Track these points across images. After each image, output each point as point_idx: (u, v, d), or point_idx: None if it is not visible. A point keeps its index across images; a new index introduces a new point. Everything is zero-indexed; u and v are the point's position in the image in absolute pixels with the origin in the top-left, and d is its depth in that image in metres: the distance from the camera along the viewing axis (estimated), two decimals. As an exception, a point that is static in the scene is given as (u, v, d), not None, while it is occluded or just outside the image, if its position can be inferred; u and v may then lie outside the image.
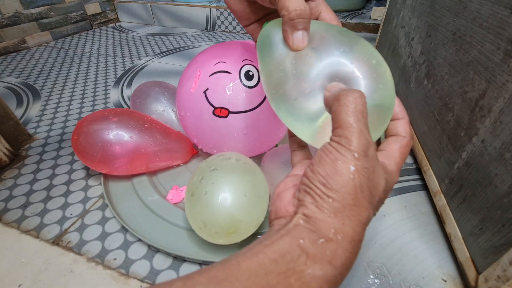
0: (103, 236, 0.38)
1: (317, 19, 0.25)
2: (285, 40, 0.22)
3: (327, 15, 0.24)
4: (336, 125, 0.17)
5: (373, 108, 0.20)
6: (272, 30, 0.24)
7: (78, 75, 0.86)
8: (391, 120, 0.22)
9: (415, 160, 0.49)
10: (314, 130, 0.21)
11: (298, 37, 0.21)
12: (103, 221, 0.40)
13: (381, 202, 0.18)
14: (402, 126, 0.21)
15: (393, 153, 0.20)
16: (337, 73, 0.22)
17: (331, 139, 0.17)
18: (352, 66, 0.22)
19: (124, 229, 0.38)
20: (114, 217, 0.40)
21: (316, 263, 0.14)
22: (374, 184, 0.17)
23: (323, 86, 0.22)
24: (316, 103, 0.22)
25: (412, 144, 0.22)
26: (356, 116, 0.16)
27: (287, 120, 0.21)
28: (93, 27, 1.34)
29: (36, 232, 0.38)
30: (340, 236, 0.15)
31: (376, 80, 0.21)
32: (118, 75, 0.85)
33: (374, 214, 0.18)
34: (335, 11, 1.32)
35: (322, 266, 0.14)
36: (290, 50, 0.22)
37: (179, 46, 1.08)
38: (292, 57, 0.22)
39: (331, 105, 0.18)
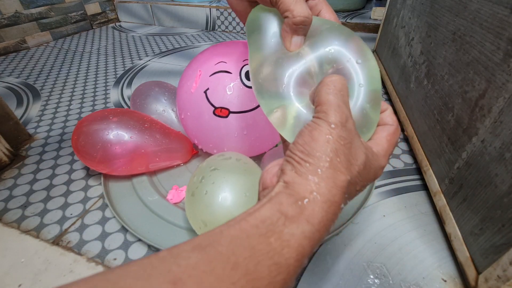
0: (103, 236, 0.38)
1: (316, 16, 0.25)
2: (283, 40, 0.23)
3: (326, 13, 0.25)
4: (317, 104, 0.19)
5: (359, 108, 0.21)
6: (264, 18, 0.24)
7: (78, 75, 0.86)
8: None
9: (415, 160, 0.49)
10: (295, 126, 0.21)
11: (297, 41, 0.22)
12: (103, 221, 0.40)
13: (362, 177, 0.18)
14: (389, 116, 0.22)
15: (379, 141, 0.21)
16: (326, 71, 0.22)
17: (313, 117, 0.18)
18: (340, 64, 0.22)
19: (124, 229, 0.38)
20: (114, 217, 0.40)
21: (294, 222, 0.15)
22: (352, 153, 0.17)
23: (309, 82, 0.22)
24: (301, 98, 0.22)
25: (400, 132, 0.22)
26: (335, 93, 0.18)
27: (269, 111, 0.22)
28: (93, 27, 1.34)
29: (36, 232, 0.38)
30: (315, 195, 0.16)
31: (364, 78, 0.22)
32: (118, 75, 0.85)
33: (357, 190, 0.19)
34: (335, 11, 1.32)
35: (299, 224, 0.15)
36: (283, 47, 0.23)
37: (179, 46, 1.08)
38: (284, 52, 0.23)
39: (315, 91, 0.20)
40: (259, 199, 0.19)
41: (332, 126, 0.17)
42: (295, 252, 0.15)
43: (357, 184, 0.18)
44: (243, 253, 0.14)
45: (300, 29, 0.22)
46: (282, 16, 0.22)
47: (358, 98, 0.21)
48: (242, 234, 0.15)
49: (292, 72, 0.22)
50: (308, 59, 0.22)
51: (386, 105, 0.22)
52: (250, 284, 0.13)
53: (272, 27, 0.24)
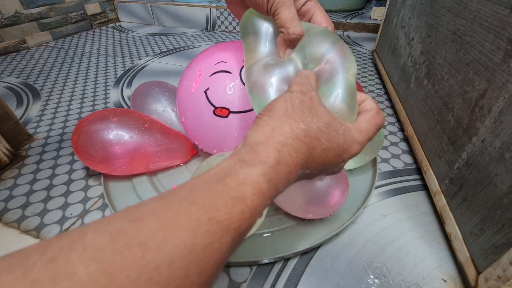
0: (103, 236, 0.38)
1: (309, 20, 0.27)
2: (278, 50, 0.26)
3: (319, 17, 0.26)
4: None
5: (340, 99, 0.23)
6: (257, 23, 0.27)
7: (78, 75, 0.86)
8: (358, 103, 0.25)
9: (415, 160, 0.49)
10: None
11: (289, 52, 0.26)
12: (103, 221, 0.40)
13: (327, 136, 0.20)
14: (368, 104, 0.24)
15: (358, 121, 0.23)
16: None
17: None
18: (323, 65, 0.24)
19: (124, 229, 0.38)
20: (114, 217, 0.39)
21: (248, 165, 0.17)
22: (312, 113, 0.19)
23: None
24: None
25: (382, 115, 0.24)
26: (301, 77, 0.22)
27: (259, 109, 0.24)
28: (93, 27, 1.34)
29: (36, 232, 0.38)
30: (268, 139, 0.18)
31: (343, 76, 0.24)
32: (118, 75, 0.85)
33: (323, 149, 0.20)
34: (335, 11, 1.32)
35: (253, 166, 0.17)
36: (275, 49, 0.27)
37: (179, 46, 1.08)
38: (275, 57, 0.26)
39: None
40: None
41: (294, 93, 0.20)
42: (251, 187, 0.16)
43: (321, 142, 0.19)
44: (201, 193, 0.15)
45: (293, 44, 0.25)
46: (278, 29, 0.25)
47: (339, 92, 0.23)
48: (200, 181, 0.16)
49: (281, 75, 0.25)
50: (295, 63, 0.25)
51: (365, 96, 0.25)
52: (207, 215, 0.14)
53: (265, 32, 0.27)
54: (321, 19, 0.26)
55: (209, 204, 0.15)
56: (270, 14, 0.25)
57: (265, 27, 0.27)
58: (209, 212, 0.14)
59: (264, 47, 0.27)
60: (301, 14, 0.27)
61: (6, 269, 0.11)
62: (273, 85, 0.25)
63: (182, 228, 0.13)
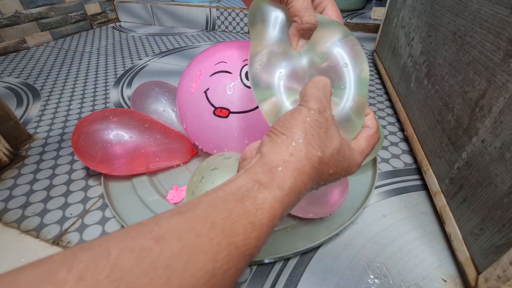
0: (103, 236, 0.38)
1: (320, 13, 0.26)
2: (291, 40, 0.25)
3: (330, 10, 0.26)
4: (302, 96, 0.21)
5: (346, 111, 0.23)
6: (267, 11, 0.25)
7: (78, 75, 0.86)
8: None
9: (415, 160, 0.49)
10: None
11: (302, 43, 0.25)
12: (103, 221, 0.40)
13: (336, 162, 0.20)
14: (370, 120, 0.24)
15: (358, 140, 0.23)
16: (318, 70, 0.24)
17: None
18: (334, 64, 0.23)
19: (124, 229, 0.38)
20: (114, 217, 0.39)
21: (267, 188, 0.17)
22: (327, 137, 0.19)
23: (301, 79, 0.24)
24: (292, 93, 0.23)
25: (379, 135, 0.24)
26: (318, 88, 0.21)
27: (261, 100, 0.23)
28: (93, 27, 1.34)
29: (36, 232, 0.38)
30: (287, 164, 0.18)
31: (354, 81, 0.23)
32: (118, 75, 0.85)
33: (330, 174, 0.20)
34: (335, 11, 1.32)
35: (271, 190, 0.17)
36: (285, 39, 0.25)
37: (179, 46, 1.08)
38: (284, 47, 0.25)
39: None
40: (238, 170, 0.21)
41: (312, 112, 0.19)
42: (268, 213, 0.16)
43: (330, 167, 0.20)
44: (220, 214, 0.15)
45: (306, 34, 0.24)
46: (290, 18, 0.24)
47: (347, 101, 0.23)
48: (218, 200, 0.16)
49: (288, 67, 0.24)
50: (304, 57, 0.24)
51: (369, 110, 0.24)
52: (227, 240, 0.14)
53: (275, 21, 0.25)
54: (332, 13, 0.26)
55: (229, 228, 0.15)
56: (283, 2, 0.24)
57: (276, 16, 0.25)
58: (229, 237, 0.15)
59: (274, 37, 0.25)
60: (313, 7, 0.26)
61: (35, 285, 0.11)
62: (281, 79, 0.23)
63: (204, 253, 0.14)
